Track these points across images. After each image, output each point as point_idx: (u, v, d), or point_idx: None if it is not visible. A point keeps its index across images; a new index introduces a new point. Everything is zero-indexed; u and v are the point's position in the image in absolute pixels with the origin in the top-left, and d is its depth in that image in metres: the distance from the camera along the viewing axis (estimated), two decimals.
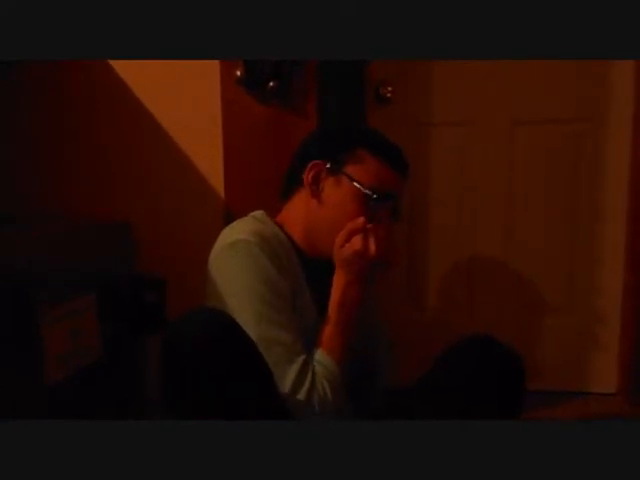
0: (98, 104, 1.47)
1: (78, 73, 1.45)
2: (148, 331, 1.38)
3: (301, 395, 0.96)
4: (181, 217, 1.46)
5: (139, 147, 1.46)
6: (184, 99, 1.41)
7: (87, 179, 1.49)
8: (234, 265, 1.00)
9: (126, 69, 1.42)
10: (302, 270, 1.08)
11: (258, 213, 1.13)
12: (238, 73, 1.32)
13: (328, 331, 1.01)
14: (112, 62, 1.41)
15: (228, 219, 1.39)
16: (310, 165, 1.07)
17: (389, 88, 1.60)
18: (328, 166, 1.06)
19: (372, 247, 0.99)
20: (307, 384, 0.97)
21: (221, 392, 0.88)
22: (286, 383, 0.96)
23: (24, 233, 1.19)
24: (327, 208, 1.07)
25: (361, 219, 1.00)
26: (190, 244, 1.43)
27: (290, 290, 1.02)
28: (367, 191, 1.04)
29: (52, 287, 1.14)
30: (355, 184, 1.04)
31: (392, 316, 1.29)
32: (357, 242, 0.99)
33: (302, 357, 0.98)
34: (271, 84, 1.31)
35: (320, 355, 1.00)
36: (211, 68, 1.36)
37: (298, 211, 1.11)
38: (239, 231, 1.04)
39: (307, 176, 1.07)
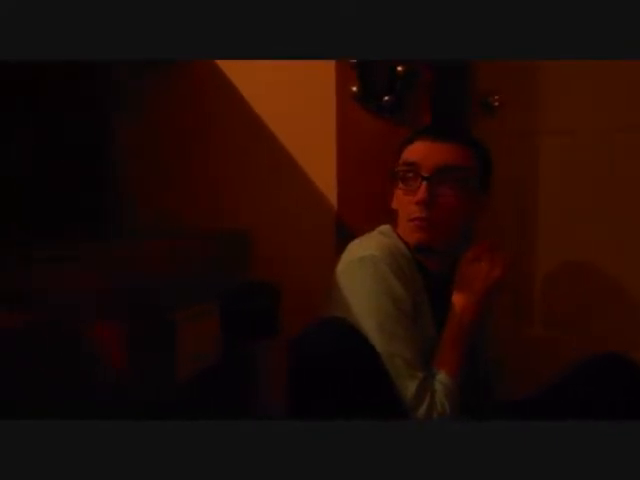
0: (210, 111, 1.54)
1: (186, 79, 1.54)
2: (262, 337, 1.44)
3: (421, 411, 0.99)
4: (295, 228, 1.50)
5: (254, 160, 1.53)
6: (300, 114, 1.46)
7: (211, 194, 1.57)
8: (361, 280, 1.04)
9: (247, 90, 1.50)
10: (424, 285, 1.10)
11: (384, 228, 1.16)
12: (354, 89, 1.35)
13: (447, 351, 1.04)
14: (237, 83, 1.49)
15: (340, 231, 1.43)
16: None
17: (496, 97, 1.59)
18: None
19: (499, 267, 1.04)
20: (427, 401, 0.99)
21: (349, 401, 0.92)
22: (406, 398, 0.99)
23: (158, 246, 1.28)
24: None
25: (486, 241, 1.07)
26: (303, 254, 1.48)
27: (412, 305, 1.05)
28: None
29: (179, 295, 1.22)
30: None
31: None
32: (485, 261, 1.05)
33: (422, 373, 1.01)
34: (386, 98, 1.34)
35: (440, 374, 1.02)
36: (327, 83, 1.40)
37: None
38: (366, 247, 1.08)
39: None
